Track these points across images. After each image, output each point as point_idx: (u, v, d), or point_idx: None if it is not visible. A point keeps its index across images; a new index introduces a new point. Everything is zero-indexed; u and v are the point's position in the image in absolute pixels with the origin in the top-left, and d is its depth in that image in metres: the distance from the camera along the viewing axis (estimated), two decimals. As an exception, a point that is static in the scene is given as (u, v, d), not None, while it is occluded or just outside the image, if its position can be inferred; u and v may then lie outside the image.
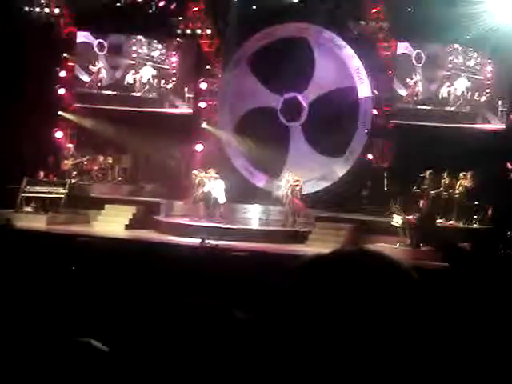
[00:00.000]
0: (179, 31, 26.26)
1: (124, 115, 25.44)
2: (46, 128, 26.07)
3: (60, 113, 26.84)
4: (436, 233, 20.10)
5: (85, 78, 27.00)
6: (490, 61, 23.71)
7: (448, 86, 24.30)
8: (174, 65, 26.69)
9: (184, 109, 26.49)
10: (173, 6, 25.77)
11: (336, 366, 1.55)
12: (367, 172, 24.37)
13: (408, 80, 24.62)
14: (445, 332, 1.82)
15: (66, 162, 25.87)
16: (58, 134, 26.78)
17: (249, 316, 1.85)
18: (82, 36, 26.84)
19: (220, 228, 21.86)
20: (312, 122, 25.46)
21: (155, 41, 26.76)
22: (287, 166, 25.23)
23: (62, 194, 23.62)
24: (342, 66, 25.21)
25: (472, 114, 23.98)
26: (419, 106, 24.59)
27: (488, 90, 23.80)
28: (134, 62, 26.92)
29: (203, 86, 26.53)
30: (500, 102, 23.55)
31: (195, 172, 23.77)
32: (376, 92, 24.90)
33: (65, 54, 26.91)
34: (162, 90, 26.63)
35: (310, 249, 20.06)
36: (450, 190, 22.09)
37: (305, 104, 25.76)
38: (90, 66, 26.92)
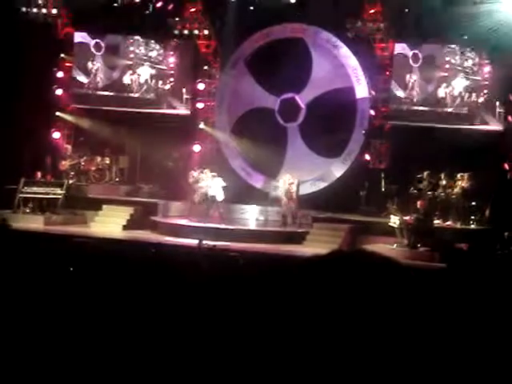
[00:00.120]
0: (177, 32, 26.23)
1: (121, 116, 25.43)
2: (44, 129, 26.06)
3: (57, 113, 26.81)
4: (433, 233, 20.12)
5: (82, 78, 26.96)
6: (487, 61, 23.68)
7: (445, 87, 24.28)
8: (171, 65, 26.66)
9: (181, 109, 26.48)
10: (170, 7, 25.75)
11: (334, 363, 1.56)
12: (364, 173, 24.36)
13: (405, 81, 24.62)
14: (441, 331, 1.83)
15: (63, 162, 25.84)
16: (56, 135, 26.76)
17: None
18: (79, 36, 26.81)
19: (217, 229, 21.86)
20: (309, 123, 25.45)
21: (153, 41, 26.73)
22: (284, 166, 25.23)
23: (60, 194, 23.60)
24: (339, 66, 25.21)
25: (470, 116, 23.95)
26: (416, 107, 24.58)
27: (485, 91, 23.76)
28: (131, 63, 26.88)
29: (201, 86, 26.52)
30: (498, 104, 23.52)
31: (193, 173, 23.70)
32: (373, 93, 24.89)
33: (62, 55, 26.87)
34: (160, 91, 26.61)
35: (307, 249, 20.03)
36: (448, 191, 22.09)
37: (302, 105, 25.76)
38: (88, 67, 26.87)
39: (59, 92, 26.77)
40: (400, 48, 24.54)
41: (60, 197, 23.57)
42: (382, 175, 23.90)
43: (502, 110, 23.43)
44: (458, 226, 21.56)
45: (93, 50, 26.75)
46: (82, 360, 3.17)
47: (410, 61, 24.48)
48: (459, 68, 24.13)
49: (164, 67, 26.67)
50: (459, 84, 24.15)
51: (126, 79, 26.77)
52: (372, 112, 24.86)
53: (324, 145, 25.00)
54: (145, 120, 25.61)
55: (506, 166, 22.89)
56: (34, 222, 22.32)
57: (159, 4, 25.76)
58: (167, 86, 26.54)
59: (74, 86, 26.98)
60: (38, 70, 25.19)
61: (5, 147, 24.14)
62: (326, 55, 25.42)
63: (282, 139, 25.83)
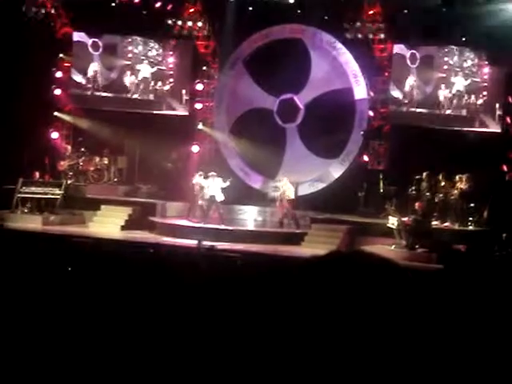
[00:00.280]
0: (175, 32, 26.21)
1: (120, 116, 25.40)
2: (42, 129, 26.06)
3: (56, 113, 26.80)
4: (431, 235, 20.12)
5: (79, 79, 26.92)
6: (486, 62, 23.65)
7: (444, 88, 24.26)
8: (170, 65, 26.63)
9: (180, 110, 26.46)
10: (169, 7, 25.74)
11: (333, 364, 1.56)
12: (363, 174, 24.36)
13: (403, 82, 24.63)
14: (439, 332, 1.84)
15: (62, 162, 25.83)
16: (54, 135, 26.75)
17: None
18: (77, 36, 26.77)
19: (216, 229, 21.85)
20: (308, 124, 25.45)
21: (152, 40, 26.70)
22: (283, 167, 25.23)
23: (58, 194, 23.59)
24: (338, 67, 25.21)
25: (469, 118, 23.91)
26: (414, 109, 24.57)
27: (485, 93, 23.73)
28: (129, 63, 26.84)
29: (199, 87, 26.51)
30: (497, 106, 23.46)
31: (197, 180, 23.45)
32: (372, 94, 24.90)
33: (61, 55, 26.86)
34: (159, 92, 26.57)
35: (305, 250, 20.04)
36: (446, 192, 22.10)
37: (301, 105, 25.75)
38: (85, 67, 26.84)
39: (58, 92, 26.76)
40: (398, 49, 24.56)
41: (58, 197, 23.56)
42: (381, 176, 23.91)
43: (501, 113, 23.40)
44: (456, 227, 21.57)
45: (90, 49, 26.71)
46: (80, 360, 3.18)
47: (408, 61, 24.48)
48: (458, 69, 24.11)
49: (163, 67, 26.65)
50: (458, 85, 24.12)
51: (125, 80, 26.73)
52: (371, 113, 24.86)
53: (322, 146, 24.99)
54: (143, 120, 25.60)
55: (505, 168, 22.90)
56: (32, 222, 22.32)
57: (158, 4, 25.73)
58: (166, 87, 26.51)
59: (72, 87, 26.96)
60: (37, 70, 25.18)
61: (3, 147, 24.13)
62: (324, 56, 25.42)
63: (281, 140, 25.83)
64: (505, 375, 2.45)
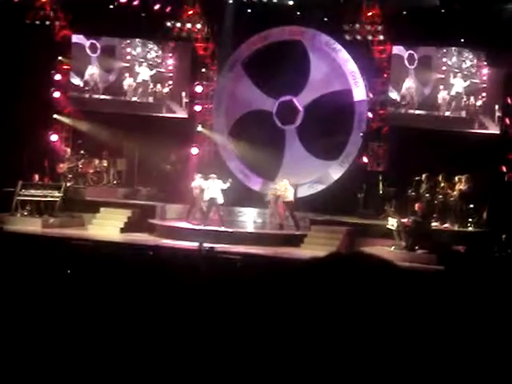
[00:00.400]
0: (174, 34, 26.21)
1: (119, 118, 25.40)
2: (42, 131, 26.07)
3: (55, 116, 26.81)
4: (431, 236, 20.12)
5: (77, 81, 26.89)
6: (485, 63, 23.63)
7: (443, 90, 24.24)
8: (170, 68, 26.62)
9: (180, 113, 26.45)
10: (168, 9, 25.75)
11: (333, 365, 1.56)
12: (362, 175, 24.37)
13: (400, 84, 24.63)
14: (439, 333, 1.83)
15: (61, 165, 25.82)
16: (54, 138, 26.75)
17: None
18: (75, 38, 26.76)
19: (216, 231, 21.84)
20: (307, 125, 25.45)
21: (150, 42, 26.68)
22: (282, 169, 25.22)
23: (57, 197, 23.57)
24: (337, 69, 25.22)
25: (468, 120, 23.89)
26: (412, 111, 24.56)
27: (484, 94, 23.72)
28: (128, 65, 26.82)
29: (198, 89, 26.51)
30: (497, 107, 23.42)
31: (197, 182, 23.43)
32: (371, 95, 24.91)
33: (60, 57, 26.86)
34: (158, 95, 26.54)
35: (305, 252, 20.05)
36: (446, 193, 22.09)
37: (300, 107, 25.76)
38: (83, 70, 26.82)
39: (57, 95, 26.76)
40: (396, 49, 24.58)
41: (58, 199, 23.55)
42: (380, 178, 23.92)
43: (500, 114, 23.37)
44: (456, 228, 21.58)
45: (88, 51, 26.68)
46: (80, 362, 3.17)
47: (406, 62, 24.47)
48: (456, 70, 24.10)
49: (162, 70, 26.64)
50: (457, 86, 24.11)
51: (125, 83, 26.71)
52: (370, 114, 24.87)
53: (322, 147, 25.00)
54: (142, 123, 25.58)
55: (504, 169, 22.90)
56: (32, 225, 22.31)
57: (157, 6, 25.74)
58: (166, 90, 26.49)
59: (71, 89, 26.95)
60: (36, 73, 25.21)
61: (2, 149, 24.14)
62: (323, 58, 25.43)
63: (280, 142, 25.83)
64: (505, 376, 2.45)
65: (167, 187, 25.25)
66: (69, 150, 26.79)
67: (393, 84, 24.72)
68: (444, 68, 24.27)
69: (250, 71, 26.14)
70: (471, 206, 21.70)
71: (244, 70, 26.31)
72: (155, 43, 26.67)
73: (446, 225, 21.74)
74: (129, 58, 26.78)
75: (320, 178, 25.19)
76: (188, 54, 26.57)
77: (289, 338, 1.60)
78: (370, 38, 24.58)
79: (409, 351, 1.60)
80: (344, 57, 24.99)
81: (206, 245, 16.65)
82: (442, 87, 24.27)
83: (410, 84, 24.56)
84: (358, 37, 24.66)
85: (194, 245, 19.60)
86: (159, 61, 26.64)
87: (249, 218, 24.91)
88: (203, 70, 26.66)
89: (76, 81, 26.91)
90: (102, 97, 26.85)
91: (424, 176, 22.17)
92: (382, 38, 24.54)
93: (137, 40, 26.70)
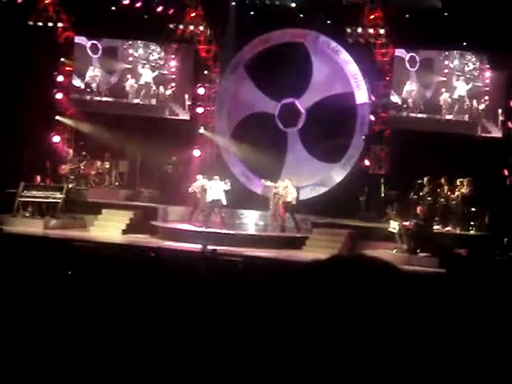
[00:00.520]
0: (177, 37, 26.21)
1: (121, 120, 25.40)
2: (44, 132, 26.08)
3: (57, 117, 26.82)
4: (433, 239, 20.11)
5: (78, 83, 26.87)
6: (488, 66, 23.57)
7: (445, 93, 24.19)
8: (172, 69, 26.60)
9: (183, 115, 26.43)
10: (171, 12, 25.76)
11: (333, 368, 1.56)
12: (364, 178, 24.36)
13: (402, 86, 24.60)
14: (440, 337, 1.83)
15: (63, 166, 25.84)
16: (56, 139, 26.76)
17: None
18: (77, 38, 26.72)
19: (217, 233, 21.84)
20: (309, 128, 25.45)
21: (153, 43, 26.65)
22: (284, 171, 25.20)
23: (59, 198, 23.57)
24: (339, 71, 25.22)
25: (471, 124, 23.80)
26: (414, 114, 24.51)
27: (486, 98, 23.64)
28: (130, 66, 26.81)
29: (201, 91, 26.52)
30: (500, 111, 23.30)
31: (199, 178, 23.44)
32: (373, 98, 24.90)
33: (62, 59, 26.88)
34: (161, 96, 26.51)
35: (307, 254, 20.05)
36: (447, 197, 22.07)
37: (302, 109, 25.76)
38: (85, 71, 26.80)
39: (59, 96, 26.78)
40: (397, 52, 24.55)
41: (59, 201, 23.55)
42: (382, 181, 23.90)
43: (503, 118, 23.28)
44: (458, 231, 21.55)
45: (89, 52, 26.66)
46: (81, 364, 3.17)
47: (407, 64, 24.44)
48: (459, 73, 24.04)
49: (165, 71, 26.63)
50: (459, 90, 24.05)
51: (126, 84, 26.70)
52: (372, 117, 24.86)
53: (324, 150, 25.00)
54: (145, 124, 25.58)
55: (506, 172, 22.87)
56: (34, 226, 22.30)
57: (160, 8, 25.76)
58: (168, 92, 26.47)
59: (73, 91, 26.94)
60: (39, 74, 25.24)
61: (4, 151, 24.16)
62: (326, 60, 25.43)
63: (282, 144, 25.83)
64: (507, 377, 2.45)
65: (169, 189, 25.26)
66: (71, 151, 26.81)
67: (394, 87, 24.70)
68: (446, 71, 24.22)
69: (253, 73, 26.15)
70: (473, 209, 21.67)
71: (246, 72, 26.31)
72: (157, 45, 26.66)
73: (447, 228, 21.71)
74: (131, 59, 26.76)
75: (322, 180, 25.19)
76: (190, 56, 26.56)
77: (290, 341, 1.60)
78: (372, 40, 24.57)
79: (411, 354, 1.60)
80: (346, 59, 25.00)
81: (209, 247, 16.65)
82: (443, 90, 24.22)
83: (411, 87, 24.53)
84: (361, 39, 24.66)
85: (195, 247, 19.64)
86: (162, 62, 26.63)
87: (250, 220, 24.92)
88: (205, 72, 26.67)
89: (77, 82, 26.90)
90: (104, 99, 26.84)
91: (426, 179, 22.14)
92: (384, 40, 24.54)
93: (139, 41, 26.68)
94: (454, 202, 21.86)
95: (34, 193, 23.36)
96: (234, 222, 24.41)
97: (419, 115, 24.48)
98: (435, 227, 21.04)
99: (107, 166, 26.25)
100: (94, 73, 26.83)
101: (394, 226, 20.55)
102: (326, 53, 25.35)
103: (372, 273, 1.65)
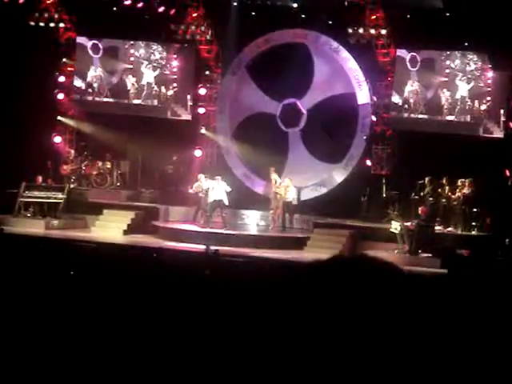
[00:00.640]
0: (178, 37, 26.20)
1: (122, 120, 25.39)
2: (45, 133, 26.08)
3: (59, 118, 26.83)
4: (434, 240, 20.10)
5: (79, 83, 26.85)
6: (490, 66, 23.51)
7: (446, 93, 24.14)
8: (174, 69, 26.57)
9: (185, 116, 26.42)
10: (172, 12, 25.77)
11: (336, 367, 1.55)
12: (366, 178, 24.35)
13: (402, 87, 24.57)
14: (442, 337, 1.83)
15: (64, 166, 25.85)
16: (57, 139, 26.78)
17: None
18: (78, 38, 26.71)
19: (219, 234, 21.84)
20: (311, 128, 25.46)
21: (154, 43, 26.62)
22: (286, 171, 25.20)
23: (61, 198, 23.57)
24: (340, 72, 25.21)
25: (473, 124, 23.73)
26: (415, 115, 24.48)
27: (488, 98, 23.57)
28: (131, 66, 26.78)
29: (202, 91, 26.52)
30: (502, 112, 23.22)
31: (200, 177, 23.44)
32: (375, 98, 24.90)
33: (64, 59, 26.89)
34: (163, 97, 26.47)
35: (308, 255, 20.05)
36: (449, 197, 22.06)
37: (304, 110, 25.76)
38: (86, 72, 26.78)
39: (61, 96, 26.78)
40: (398, 52, 24.52)
41: (61, 201, 23.55)
42: (384, 181, 23.90)
43: (505, 119, 23.20)
44: (459, 232, 21.54)
45: (90, 52, 26.64)
46: (83, 363, 3.17)
47: (408, 64, 24.41)
48: (460, 73, 23.99)
49: (167, 72, 26.61)
50: (460, 90, 24.01)
51: (128, 84, 26.67)
52: (373, 118, 24.86)
53: (325, 150, 25.01)
54: (146, 125, 25.57)
55: (507, 173, 22.85)
56: (35, 227, 22.30)
57: (161, 9, 25.76)
58: (170, 92, 26.44)
59: (74, 92, 26.93)
60: (40, 75, 25.25)
61: (6, 151, 24.17)
62: (327, 61, 25.43)
63: (284, 144, 25.84)
64: (507, 377, 2.44)
65: (170, 189, 25.27)
66: (72, 151, 26.82)
67: (395, 88, 24.68)
68: (447, 71, 24.17)
69: (254, 74, 26.14)
70: (474, 209, 21.66)
71: (248, 72, 26.31)
72: (159, 44, 26.62)
73: (449, 228, 21.71)
74: (132, 59, 26.74)
75: (323, 180, 25.19)
76: (192, 57, 26.55)
77: (291, 342, 1.60)
78: (373, 41, 24.56)
79: (412, 354, 1.60)
80: (348, 60, 24.99)
81: (213, 248, 16.64)
82: (445, 90, 24.18)
83: (412, 87, 24.49)
84: (362, 40, 24.64)
85: (197, 247, 19.67)
86: (163, 62, 26.60)
87: (252, 221, 24.92)
88: (207, 72, 26.67)
89: (78, 83, 26.88)
90: (106, 99, 26.83)
91: (427, 179, 22.14)
92: (385, 41, 24.53)
93: (140, 41, 26.65)
94: (455, 203, 21.85)
95: (36, 193, 23.37)
96: (236, 222, 24.41)
97: (420, 116, 24.46)
98: (437, 228, 21.03)
99: (108, 167, 26.26)
100: (95, 73, 26.81)
101: (395, 226, 20.54)
102: (327, 53, 25.35)
103: (373, 273, 1.65)
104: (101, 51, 26.71)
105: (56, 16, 26.28)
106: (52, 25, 26.33)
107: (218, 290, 6.10)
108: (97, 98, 26.89)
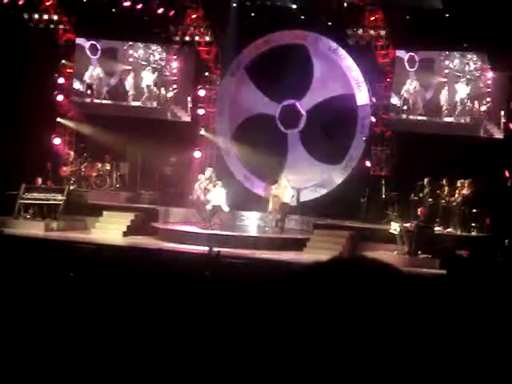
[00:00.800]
0: (178, 38, 26.21)
1: (122, 122, 25.37)
2: (45, 134, 26.08)
3: (58, 119, 26.81)
4: (434, 240, 20.10)
5: (77, 85, 26.80)
6: (490, 66, 23.47)
7: (445, 94, 24.12)
8: (174, 71, 26.55)
9: (185, 118, 26.40)
10: (171, 13, 25.77)
11: (337, 369, 1.56)
12: (365, 180, 24.35)
13: (403, 88, 24.55)
14: (441, 338, 1.83)
15: (64, 168, 25.85)
16: (56, 141, 26.77)
17: None
18: (77, 40, 26.69)
19: (219, 235, 21.84)
20: (310, 129, 25.46)
21: (154, 44, 26.59)
22: (285, 172, 25.19)
23: (60, 200, 23.56)
24: (340, 73, 25.22)
25: (473, 126, 23.68)
26: (414, 117, 24.47)
27: (488, 99, 23.53)
28: (130, 68, 26.76)
29: (201, 93, 26.52)
30: (502, 113, 23.15)
31: (200, 178, 23.46)
32: (374, 100, 24.90)
33: (63, 61, 26.88)
34: (162, 98, 26.44)
35: (308, 256, 20.04)
36: (448, 198, 22.07)
37: (303, 111, 25.77)
38: (85, 74, 26.75)
39: (60, 98, 26.77)
40: (397, 52, 24.52)
41: (61, 203, 23.54)
42: (383, 182, 23.91)
43: (505, 120, 23.15)
44: (459, 232, 21.54)
45: (88, 52, 26.60)
46: (83, 366, 3.17)
47: (406, 65, 24.40)
48: (459, 73, 23.95)
49: (166, 73, 26.59)
50: (460, 91, 23.98)
51: (126, 85, 26.64)
52: (373, 119, 24.86)
53: (325, 151, 25.01)
54: (145, 126, 25.56)
55: (507, 173, 22.85)
56: (35, 228, 22.30)
57: (160, 10, 25.76)
58: (170, 94, 26.41)
59: (73, 94, 26.89)
60: (40, 76, 25.24)
61: (5, 152, 24.16)
62: (327, 62, 25.43)
63: (283, 146, 25.84)
64: (507, 379, 2.44)
65: (170, 191, 25.27)
66: (72, 153, 26.81)
67: (394, 89, 24.67)
68: (446, 71, 24.15)
69: (253, 75, 26.15)
70: (474, 210, 21.66)
71: (247, 73, 26.32)
72: (159, 45, 26.59)
73: (448, 229, 21.71)
74: (131, 60, 26.69)
75: (323, 182, 25.19)
76: (192, 58, 26.53)
77: (291, 343, 1.60)
78: (373, 42, 24.56)
79: (412, 356, 1.60)
80: (347, 61, 24.99)
81: (216, 249, 16.61)
82: (444, 91, 24.15)
83: (410, 87, 24.45)
84: (361, 41, 24.65)
85: (197, 248, 19.66)
86: (163, 63, 26.58)
87: (251, 222, 24.91)
88: (206, 73, 26.67)
89: (77, 85, 26.83)
90: (104, 101, 26.80)
91: (426, 180, 22.14)
92: (385, 42, 24.53)
93: (139, 43, 26.63)
94: (454, 204, 21.85)
95: (35, 195, 23.35)
96: (235, 223, 24.41)
97: (419, 118, 24.44)
98: (436, 229, 21.03)
99: (108, 168, 26.26)
100: (93, 74, 26.75)
101: (394, 227, 20.54)
102: (326, 54, 25.35)
103: (373, 274, 1.66)
104: (99, 52, 26.67)
105: (55, 17, 26.27)
106: (51, 26, 26.33)
107: (218, 291, 6.10)
108: (96, 100, 26.86)
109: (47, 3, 26.17)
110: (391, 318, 1.60)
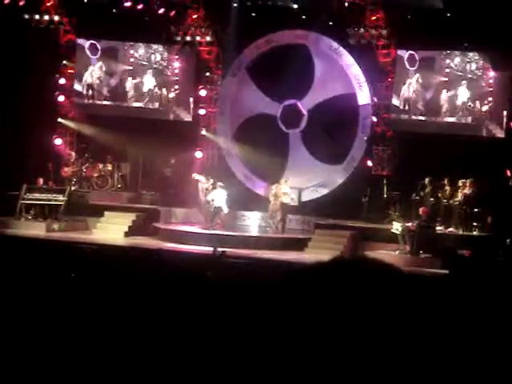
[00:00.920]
0: (179, 38, 26.22)
1: (123, 122, 25.38)
2: (46, 135, 26.08)
3: (60, 120, 26.82)
4: (435, 240, 20.09)
5: (78, 86, 26.79)
6: (491, 66, 23.43)
7: (446, 94, 24.07)
8: (176, 71, 26.55)
9: (186, 117, 26.39)
10: (172, 14, 25.77)
11: (338, 369, 1.55)
12: (367, 179, 24.34)
13: (403, 87, 24.52)
14: (443, 338, 1.83)
15: (65, 169, 25.86)
16: (58, 141, 26.78)
17: None
18: (78, 41, 26.68)
19: (220, 235, 21.84)
20: (311, 129, 25.46)
21: (155, 44, 26.57)
22: (286, 172, 25.20)
23: (62, 201, 23.56)
24: (341, 73, 25.21)
25: (474, 125, 23.67)
26: (416, 117, 24.44)
27: (490, 99, 23.50)
28: (131, 68, 26.74)
29: (203, 93, 26.53)
30: (505, 113, 23.09)
31: (201, 178, 23.51)
32: (375, 99, 24.89)
33: (64, 62, 26.88)
34: (164, 99, 26.41)
35: (309, 256, 20.04)
36: (450, 198, 22.06)
37: (304, 111, 25.76)
38: (85, 74, 26.73)
39: (61, 99, 26.78)
40: (398, 52, 24.50)
41: (62, 203, 23.55)
42: (384, 182, 23.90)
43: (507, 120, 23.11)
44: (460, 232, 21.54)
45: (88, 52, 26.57)
46: (84, 366, 3.17)
47: (406, 63, 24.37)
48: (461, 73, 23.93)
49: (168, 73, 26.57)
50: (461, 91, 23.94)
51: (127, 86, 26.62)
52: (374, 119, 24.85)
53: (326, 151, 25.01)
54: (147, 126, 25.56)
55: (508, 173, 22.84)
56: (36, 229, 22.31)
57: (161, 10, 25.77)
58: (172, 94, 26.38)
59: (74, 95, 26.87)
60: (41, 77, 25.25)
61: (7, 153, 24.17)
62: (328, 62, 25.43)
63: (284, 145, 25.84)
64: (508, 379, 2.44)
65: (171, 191, 25.28)
66: (73, 153, 26.81)
67: (395, 90, 24.65)
68: (447, 70, 24.13)
69: (254, 75, 26.15)
70: (475, 210, 21.66)
71: (248, 73, 26.32)
72: (160, 44, 26.56)
73: (450, 229, 21.70)
74: (132, 60, 26.69)
75: (324, 181, 25.18)
76: (193, 58, 26.53)
77: (293, 343, 1.60)
78: (374, 41, 24.55)
79: (413, 355, 1.60)
80: (348, 61, 24.99)
81: (220, 249, 16.62)
82: (445, 91, 24.12)
83: (411, 85, 24.42)
84: (363, 41, 24.64)
85: (198, 248, 19.68)
86: (164, 64, 26.57)
87: (253, 222, 24.91)
88: (207, 73, 26.67)
89: (77, 86, 26.80)
90: (105, 102, 26.78)
91: (427, 180, 22.15)
92: (386, 41, 24.52)
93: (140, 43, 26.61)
94: (456, 203, 21.85)
95: (37, 195, 23.37)
96: (236, 223, 24.42)
97: (420, 117, 24.41)
98: (438, 228, 21.03)
99: (109, 169, 26.27)
100: (93, 74, 26.72)
101: (396, 227, 20.54)
102: (327, 54, 25.35)
103: (374, 274, 1.65)
104: (99, 52, 26.64)
105: (56, 18, 26.27)
106: (52, 27, 26.34)
107: (220, 291, 6.10)
108: (97, 101, 26.85)
109: (48, 4, 26.18)
110: (393, 318, 1.59)
